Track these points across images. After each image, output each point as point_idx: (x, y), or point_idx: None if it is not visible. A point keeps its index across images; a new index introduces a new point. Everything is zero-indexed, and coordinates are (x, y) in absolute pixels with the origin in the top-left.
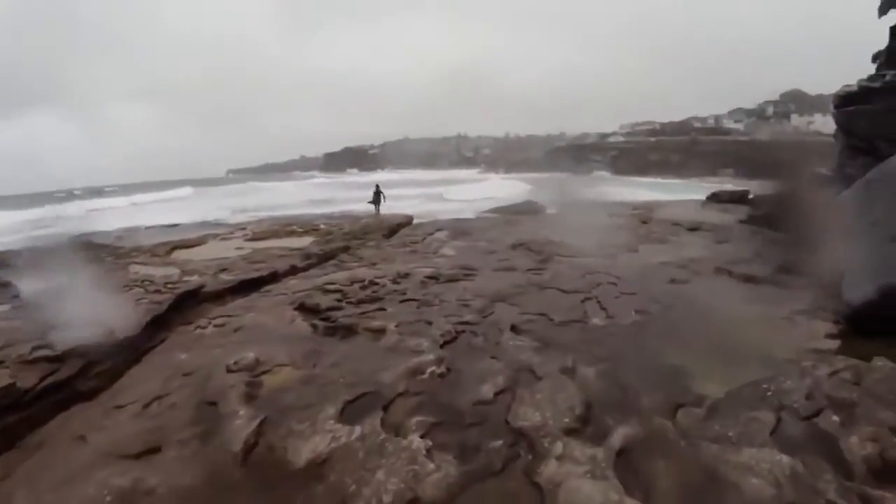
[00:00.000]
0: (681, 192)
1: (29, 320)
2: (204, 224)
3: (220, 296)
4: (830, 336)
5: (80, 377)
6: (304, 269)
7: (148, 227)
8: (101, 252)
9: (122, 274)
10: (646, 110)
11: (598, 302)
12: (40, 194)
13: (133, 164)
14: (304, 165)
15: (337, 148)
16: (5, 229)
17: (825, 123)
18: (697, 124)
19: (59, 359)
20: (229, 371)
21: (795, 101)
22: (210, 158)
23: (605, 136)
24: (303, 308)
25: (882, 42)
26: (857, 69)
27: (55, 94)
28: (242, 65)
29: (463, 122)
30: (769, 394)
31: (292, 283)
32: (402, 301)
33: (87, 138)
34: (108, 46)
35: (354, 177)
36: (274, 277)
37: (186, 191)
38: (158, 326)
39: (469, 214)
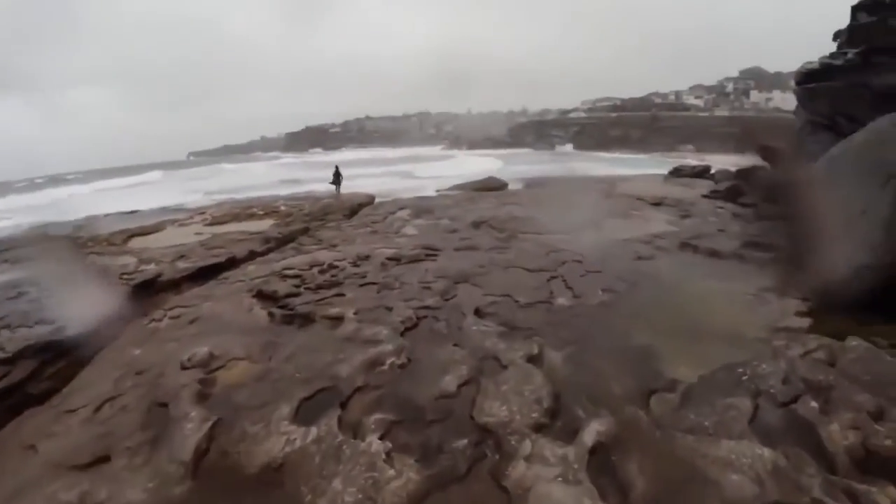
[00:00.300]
0: (643, 167)
1: None
2: (165, 209)
3: (177, 284)
4: (800, 314)
5: (33, 380)
6: (263, 254)
7: (107, 215)
8: (58, 243)
9: (77, 266)
10: (607, 87)
11: (564, 281)
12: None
13: (92, 149)
14: (264, 146)
15: (297, 128)
16: None
17: (784, 100)
18: (658, 100)
19: (11, 361)
20: (183, 368)
21: (755, 78)
22: (169, 141)
23: (566, 112)
24: (260, 295)
25: (842, 20)
26: (817, 47)
27: (8, 80)
28: (200, 45)
29: (424, 100)
30: (744, 378)
31: (251, 268)
32: (361, 285)
33: (44, 124)
34: (60, 27)
35: (318, 156)
36: (232, 263)
37: (155, 175)
38: (113, 321)
39: (431, 192)
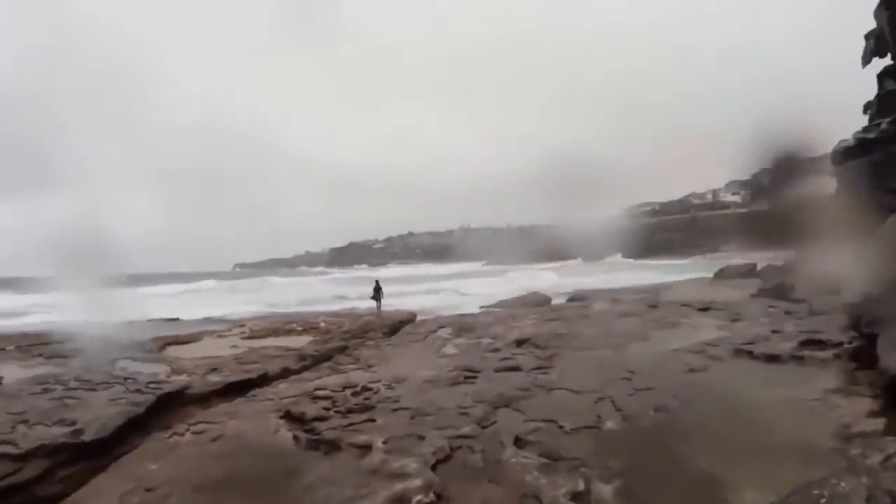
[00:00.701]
0: (688, 272)
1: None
2: (209, 320)
3: (206, 398)
4: (872, 414)
5: (43, 482)
6: (297, 372)
7: (150, 320)
8: (95, 344)
9: (107, 369)
10: (643, 191)
11: (612, 402)
12: (40, 279)
13: (138, 251)
14: (309, 261)
15: (342, 243)
16: (5, 311)
17: (822, 184)
18: (696, 200)
19: (23, 458)
20: (194, 492)
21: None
22: (214, 251)
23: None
24: (288, 416)
25: (867, 93)
26: (848, 124)
27: (58, 179)
28: (245, 156)
29: (464, 214)
30: (822, 501)
31: (282, 387)
32: (394, 410)
33: (90, 223)
34: (109, 133)
35: (364, 272)
36: (264, 380)
37: (209, 283)
38: (134, 430)
39: (474, 309)
